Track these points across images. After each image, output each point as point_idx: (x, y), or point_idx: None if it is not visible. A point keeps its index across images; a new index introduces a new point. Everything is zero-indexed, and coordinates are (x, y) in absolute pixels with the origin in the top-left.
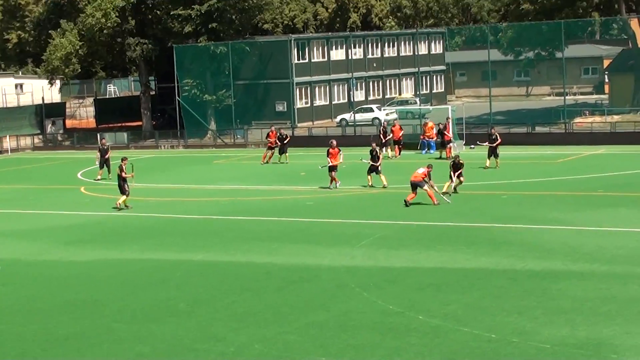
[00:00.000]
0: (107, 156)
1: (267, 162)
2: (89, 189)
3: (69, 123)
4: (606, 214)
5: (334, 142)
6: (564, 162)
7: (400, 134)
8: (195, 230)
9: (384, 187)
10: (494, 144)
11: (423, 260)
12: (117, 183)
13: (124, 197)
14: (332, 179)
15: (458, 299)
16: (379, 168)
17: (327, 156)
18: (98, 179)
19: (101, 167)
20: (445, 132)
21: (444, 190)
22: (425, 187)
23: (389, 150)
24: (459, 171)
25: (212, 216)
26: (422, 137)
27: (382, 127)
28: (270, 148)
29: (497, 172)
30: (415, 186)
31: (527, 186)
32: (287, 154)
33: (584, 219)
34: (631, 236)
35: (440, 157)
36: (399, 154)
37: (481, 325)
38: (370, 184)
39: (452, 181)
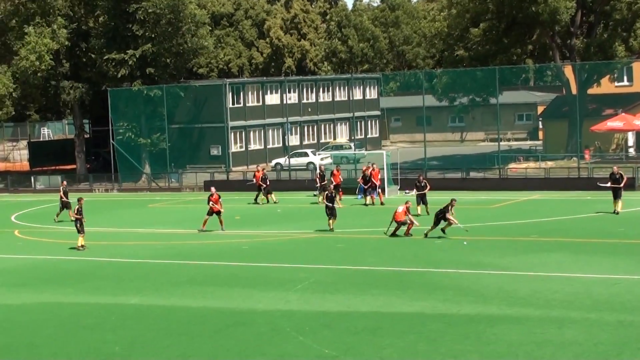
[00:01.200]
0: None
1: (259, 202)
2: (23, 232)
3: (2, 166)
4: (540, 258)
5: (213, 189)
6: (499, 208)
7: (340, 179)
8: (130, 274)
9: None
10: (423, 191)
11: (358, 305)
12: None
13: (81, 237)
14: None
15: (393, 343)
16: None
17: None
18: (57, 220)
19: (62, 209)
20: (372, 179)
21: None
22: (408, 221)
23: (320, 197)
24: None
25: (147, 260)
26: (360, 180)
27: (318, 172)
28: (259, 189)
29: (430, 218)
30: (400, 225)
31: (461, 231)
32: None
33: (519, 263)
34: (565, 281)
35: (365, 204)
36: (340, 199)
37: None
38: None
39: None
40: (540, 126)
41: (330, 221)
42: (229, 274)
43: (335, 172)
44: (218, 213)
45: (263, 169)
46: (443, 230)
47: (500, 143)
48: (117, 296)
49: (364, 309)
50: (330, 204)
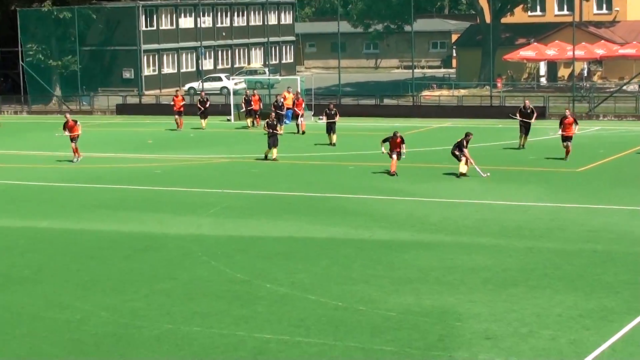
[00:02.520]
0: None
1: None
2: None
3: None
4: (451, 185)
5: (67, 116)
6: (412, 135)
7: (259, 105)
8: (40, 197)
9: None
10: (332, 120)
11: (271, 230)
12: None
13: None
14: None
15: (306, 268)
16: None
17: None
18: None
19: None
20: (295, 108)
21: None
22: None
23: (248, 120)
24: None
25: (56, 183)
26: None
27: (244, 96)
28: (179, 113)
29: (345, 144)
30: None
31: (374, 158)
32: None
33: (431, 190)
34: (475, 207)
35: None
36: (259, 125)
37: (328, 293)
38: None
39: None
40: (454, 54)
41: (274, 150)
42: (140, 198)
43: (253, 97)
44: (72, 140)
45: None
46: (462, 174)
47: (414, 71)
48: (26, 220)
49: (277, 234)
50: (272, 131)
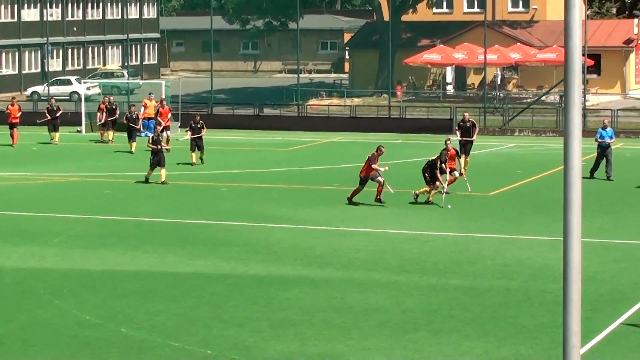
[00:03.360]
0: None
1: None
2: None
3: None
4: (343, 211)
5: None
6: (296, 151)
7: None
8: None
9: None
10: (198, 134)
11: (127, 263)
12: None
13: None
14: None
15: (168, 309)
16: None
17: None
18: None
19: None
20: (159, 118)
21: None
22: (379, 178)
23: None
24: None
25: None
26: (141, 115)
27: (101, 104)
28: (12, 126)
29: (217, 161)
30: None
31: (252, 177)
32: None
33: (318, 216)
34: (370, 237)
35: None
36: (104, 137)
37: (195, 339)
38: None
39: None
40: (347, 57)
41: (162, 171)
42: None
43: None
44: None
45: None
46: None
47: (300, 75)
48: None
49: (134, 268)
50: (158, 147)
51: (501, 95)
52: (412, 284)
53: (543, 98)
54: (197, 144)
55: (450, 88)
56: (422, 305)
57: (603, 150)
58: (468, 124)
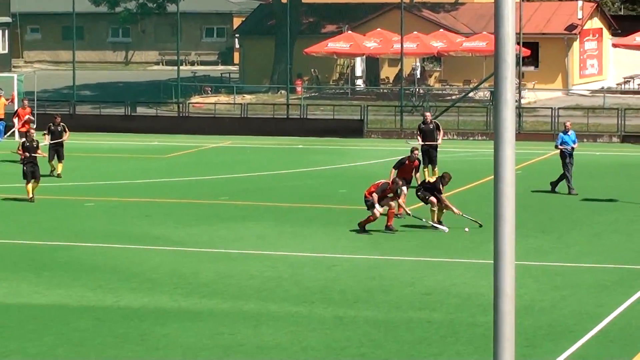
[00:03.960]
0: None
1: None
2: None
3: None
4: (232, 230)
5: None
6: (176, 158)
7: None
8: None
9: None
10: (59, 139)
11: None
12: None
13: None
14: None
15: (22, 348)
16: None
17: None
18: None
19: None
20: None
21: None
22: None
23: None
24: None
25: None
26: None
27: None
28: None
29: (81, 171)
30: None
31: (123, 190)
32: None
33: (202, 237)
34: (265, 261)
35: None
36: None
37: None
38: None
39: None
40: (237, 45)
41: (30, 185)
42: None
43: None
44: None
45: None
46: (438, 222)
47: (181, 68)
48: None
49: None
50: (30, 155)
51: (421, 91)
52: (315, 317)
53: (470, 94)
54: (56, 151)
55: (360, 83)
56: (326, 342)
57: (566, 159)
58: (431, 126)
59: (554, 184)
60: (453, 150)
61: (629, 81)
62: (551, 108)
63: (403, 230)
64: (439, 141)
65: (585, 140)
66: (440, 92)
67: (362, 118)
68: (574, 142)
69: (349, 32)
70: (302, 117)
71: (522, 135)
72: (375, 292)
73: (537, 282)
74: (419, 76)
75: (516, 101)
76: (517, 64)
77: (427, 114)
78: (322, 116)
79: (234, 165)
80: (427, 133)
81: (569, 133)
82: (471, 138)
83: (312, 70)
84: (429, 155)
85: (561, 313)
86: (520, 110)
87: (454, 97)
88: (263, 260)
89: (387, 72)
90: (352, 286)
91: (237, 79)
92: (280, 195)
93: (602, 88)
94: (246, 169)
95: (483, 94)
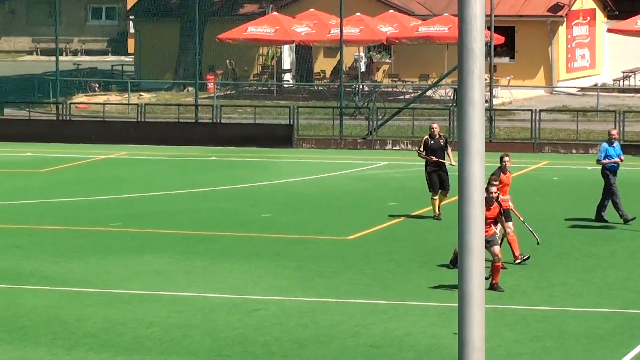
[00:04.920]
0: None
1: None
2: None
3: None
4: (125, 265)
5: None
6: (54, 173)
7: None
8: None
9: None
10: None
11: None
12: None
13: None
14: None
15: None
16: None
17: None
18: None
19: None
20: None
21: None
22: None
23: None
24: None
25: None
26: None
27: None
28: None
29: None
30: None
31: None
32: None
33: (88, 273)
34: (168, 304)
35: None
36: None
37: None
38: None
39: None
40: (131, 30)
41: None
42: None
43: None
44: None
45: None
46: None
47: (61, 58)
48: None
49: None
50: None
51: (366, 88)
52: None
53: (429, 93)
54: None
55: (288, 78)
56: None
57: (611, 177)
58: (442, 141)
59: (600, 209)
60: (406, 164)
61: (629, 76)
62: (531, 110)
63: (342, 265)
64: (453, 161)
65: (574, 151)
66: (390, 89)
67: (291, 123)
68: (618, 157)
69: (274, 13)
70: (214, 121)
71: (493, 144)
72: (308, 345)
73: (513, 330)
74: (363, 69)
75: (486, 101)
76: (488, 54)
77: (435, 125)
78: (241, 120)
79: (128, 183)
80: (437, 150)
81: (614, 145)
82: None
83: (228, 61)
84: (440, 178)
85: None
86: (491, 113)
87: (407, 96)
88: (165, 303)
89: (323, 65)
90: (280, 336)
91: (132, 73)
92: (188, 220)
93: (596, 85)
94: (144, 188)
95: (444, 92)
